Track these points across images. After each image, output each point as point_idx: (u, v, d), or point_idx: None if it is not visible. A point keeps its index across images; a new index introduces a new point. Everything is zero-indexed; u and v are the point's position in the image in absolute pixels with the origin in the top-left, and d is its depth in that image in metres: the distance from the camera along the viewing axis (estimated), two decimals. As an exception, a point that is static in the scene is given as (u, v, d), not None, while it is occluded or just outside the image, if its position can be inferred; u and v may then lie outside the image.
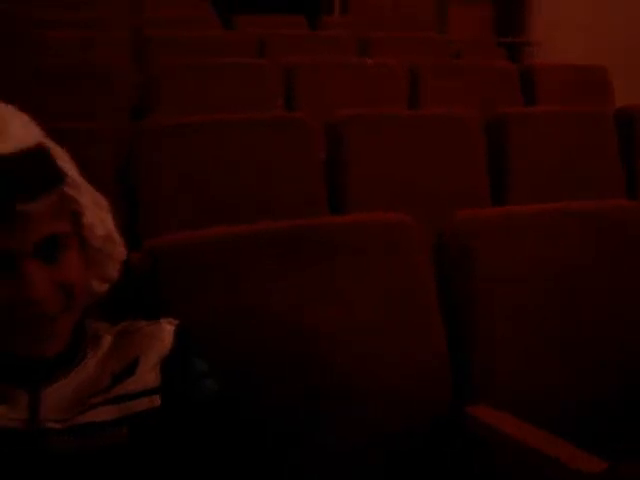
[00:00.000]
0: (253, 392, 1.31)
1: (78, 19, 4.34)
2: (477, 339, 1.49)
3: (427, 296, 1.48)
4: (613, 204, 1.77)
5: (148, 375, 1.04)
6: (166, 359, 1.05)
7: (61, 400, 1.00)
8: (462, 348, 1.49)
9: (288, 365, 1.35)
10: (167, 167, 2.17)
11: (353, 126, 2.47)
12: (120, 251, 1.09)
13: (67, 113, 2.54)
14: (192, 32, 4.16)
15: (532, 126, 2.72)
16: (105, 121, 2.57)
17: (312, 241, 1.42)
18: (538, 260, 1.55)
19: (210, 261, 1.34)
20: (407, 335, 1.45)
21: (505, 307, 1.51)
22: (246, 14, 5.10)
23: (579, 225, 1.60)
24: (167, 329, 1.08)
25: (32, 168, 0.95)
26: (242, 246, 1.37)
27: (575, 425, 1.50)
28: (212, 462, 1.06)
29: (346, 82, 3.38)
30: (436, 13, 6.35)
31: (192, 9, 5.35)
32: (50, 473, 0.98)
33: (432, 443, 1.44)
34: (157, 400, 1.03)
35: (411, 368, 1.44)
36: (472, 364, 1.49)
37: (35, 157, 0.96)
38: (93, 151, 1.98)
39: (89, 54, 3.66)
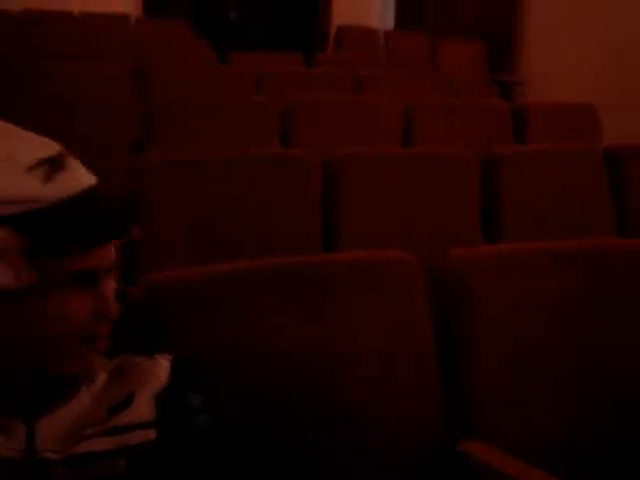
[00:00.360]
0: (260, 423, 1.33)
1: (79, 53, 4.39)
2: (472, 375, 1.50)
3: (424, 332, 1.50)
4: (600, 242, 1.79)
5: (143, 409, 1.04)
6: (161, 394, 1.06)
7: (57, 431, 1.01)
8: (457, 383, 1.51)
9: (295, 397, 1.37)
10: (171, 202, 2.19)
11: (349, 164, 2.49)
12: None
13: (68, 147, 2.56)
14: (191, 68, 4.22)
15: (524, 164, 2.75)
16: (105, 154, 2.59)
17: (310, 278, 1.44)
18: (529, 298, 1.57)
19: (214, 296, 1.36)
20: (404, 370, 1.47)
21: (499, 344, 1.52)
22: (243, 50, 5.18)
23: (568, 264, 1.62)
24: (163, 365, 1.09)
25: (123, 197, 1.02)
26: (245, 282, 1.39)
27: (569, 460, 1.52)
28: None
29: (342, 120, 3.39)
30: (427, 50, 6.42)
31: (191, 46, 5.43)
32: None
33: (428, 475, 1.46)
34: (152, 434, 1.04)
35: (408, 403, 1.46)
36: (467, 400, 1.50)
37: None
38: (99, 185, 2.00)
39: (89, 87, 3.70)
